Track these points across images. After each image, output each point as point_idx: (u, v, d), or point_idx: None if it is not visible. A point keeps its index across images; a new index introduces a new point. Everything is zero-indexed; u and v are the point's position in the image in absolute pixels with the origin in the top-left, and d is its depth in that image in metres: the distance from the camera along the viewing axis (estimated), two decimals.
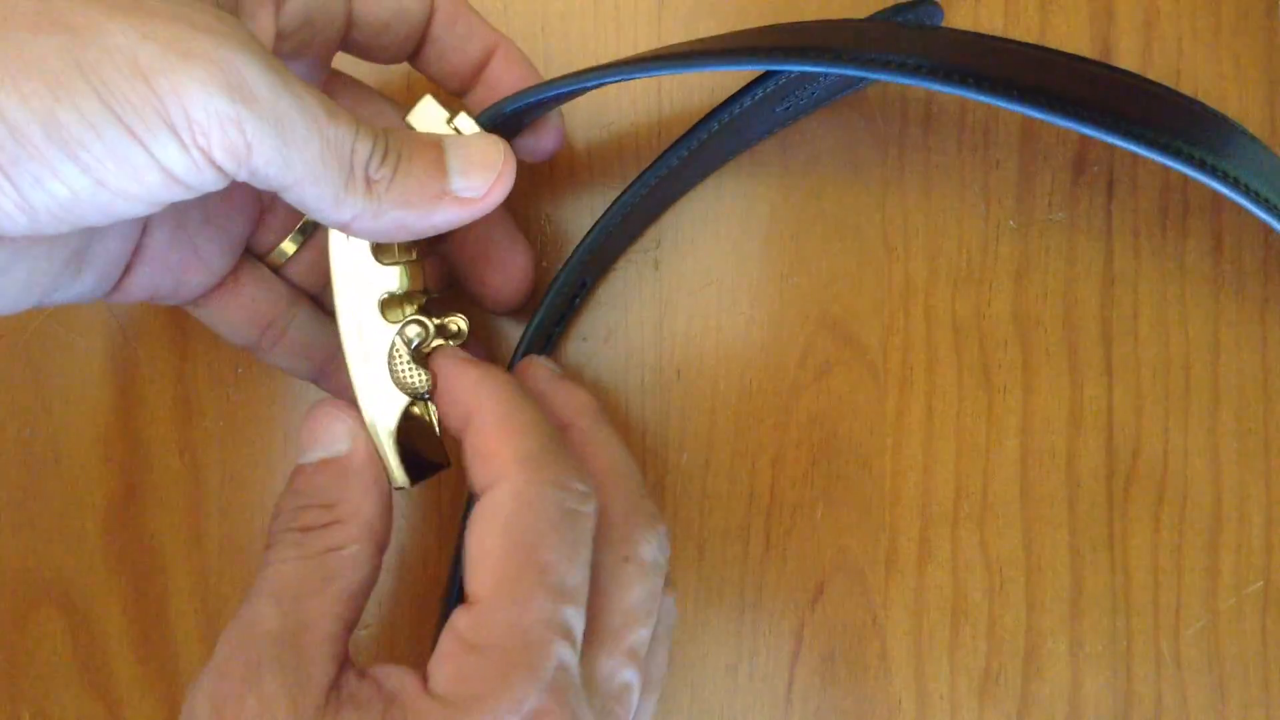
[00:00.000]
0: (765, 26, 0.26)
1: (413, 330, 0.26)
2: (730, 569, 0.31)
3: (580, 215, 0.32)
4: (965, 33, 0.29)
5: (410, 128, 0.25)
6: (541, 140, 0.28)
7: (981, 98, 0.23)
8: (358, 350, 0.26)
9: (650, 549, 0.24)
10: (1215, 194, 0.31)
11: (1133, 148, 0.24)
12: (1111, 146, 0.31)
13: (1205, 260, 0.31)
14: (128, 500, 0.32)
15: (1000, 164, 0.31)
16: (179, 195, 0.20)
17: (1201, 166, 0.25)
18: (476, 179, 0.24)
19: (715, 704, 0.31)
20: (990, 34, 0.29)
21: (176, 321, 0.32)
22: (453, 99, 0.28)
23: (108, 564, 0.32)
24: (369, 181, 0.22)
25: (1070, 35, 0.31)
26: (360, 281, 0.26)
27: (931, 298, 0.31)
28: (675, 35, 0.32)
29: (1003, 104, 0.23)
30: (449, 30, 0.26)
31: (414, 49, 0.26)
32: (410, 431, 0.26)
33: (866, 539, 0.31)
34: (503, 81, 0.26)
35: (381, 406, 0.26)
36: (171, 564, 0.32)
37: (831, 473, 0.31)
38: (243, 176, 0.20)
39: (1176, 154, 0.25)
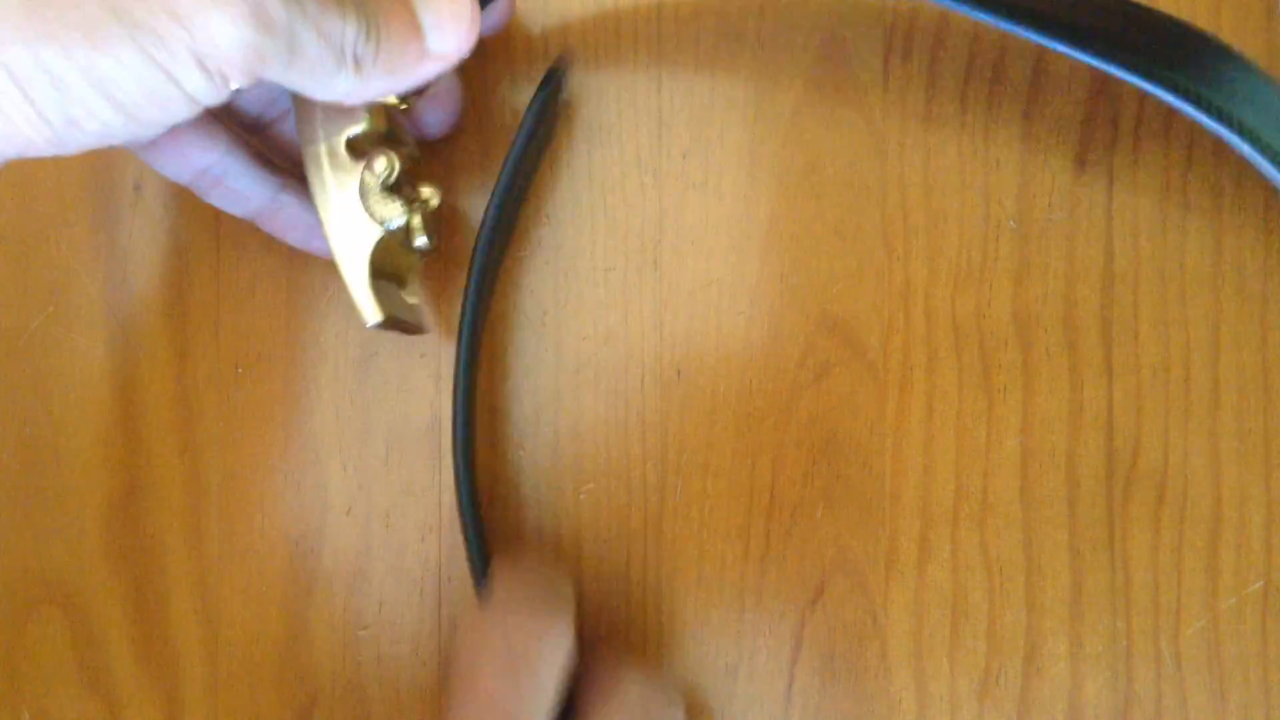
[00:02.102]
0: None
1: (380, 163, 0.26)
2: (730, 569, 0.31)
3: (579, 215, 0.32)
4: None
5: None
6: (490, 17, 0.28)
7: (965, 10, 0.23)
8: (327, 187, 0.26)
9: None
10: (1216, 194, 0.31)
11: (1106, 68, 0.24)
12: (1112, 146, 0.31)
13: (1205, 260, 0.31)
14: (128, 500, 0.32)
15: (1000, 164, 0.31)
16: (194, 113, 0.21)
17: (1187, 95, 0.25)
18: (450, 34, 0.24)
19: (715, 704, 0.31)
20: None
21: (177, 321, 0.32)
22: None
23: (108, 564, 0.32)
24: (356, 60, 0.23)
25: None
26: (327, 122, 0.26)
27: (931, 298, 0.31)
28: (675, 35, 0.32)
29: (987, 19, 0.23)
30: None
31: None
32: (386, 265, 0.27)
33: (866, 539, 0.31)
34: None
35: (354, 240, 0.26)
36: (171, 564, 0.32)
37: (831, 473, 0.31)
38: (246, 85, 0.21)
39: (1157, 80, 0.24)
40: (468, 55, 0.25)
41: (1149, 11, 0.26)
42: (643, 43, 0.32)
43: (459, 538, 0.32)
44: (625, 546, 0.31)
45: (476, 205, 0.32)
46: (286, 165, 0.30)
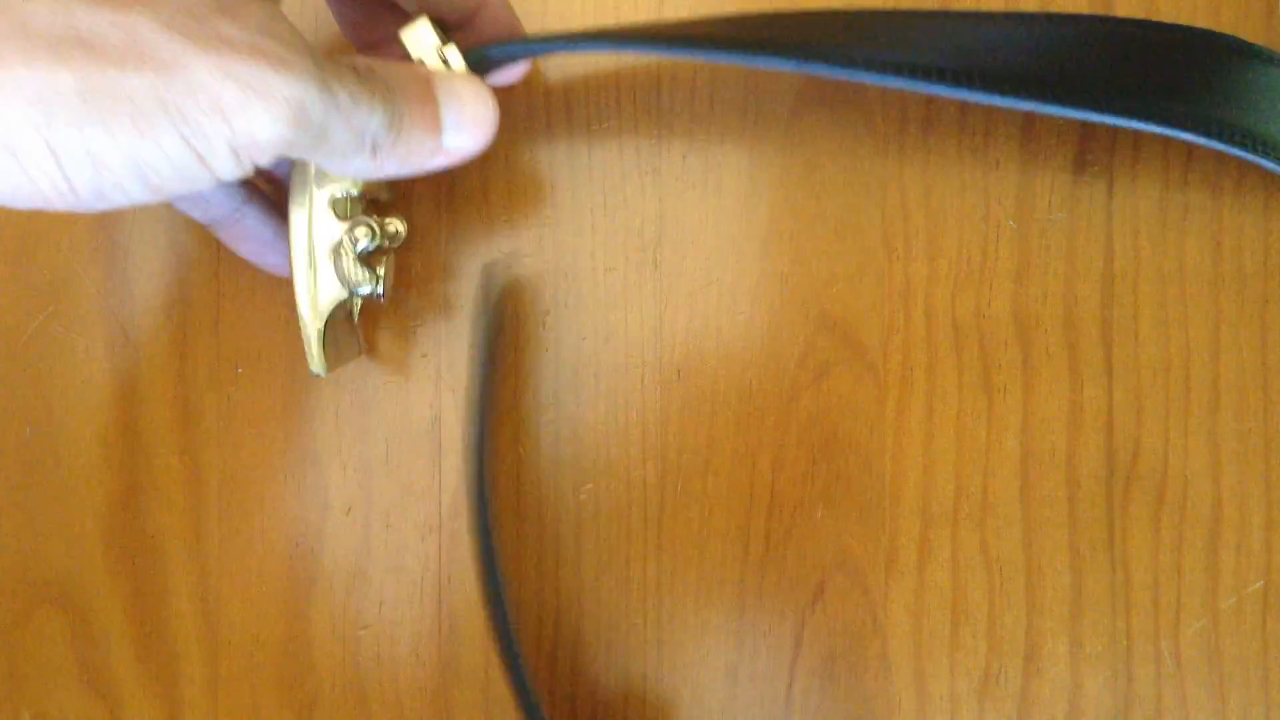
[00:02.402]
0: (764, 15, 0.27)
1: (361, 231, 0.27)
2: (730, 569, 0.31)
3: (580, 215, 0.32)
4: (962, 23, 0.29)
5: (401, 43, 0.26)
6: (507, 74, 0.29)
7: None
8: (305, 244, 0.27)
9: None
10: (1216, 194, 0.31)
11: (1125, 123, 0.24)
12: (1112, 146, 0.31)
13: (1205, 260, 0.31)
14: (128, 500, 0.32)
15: (1000, 164, 0.31)
16: (212, 186, 0.22)
17: (1208, 130, 0.25)
18: (468, 135, 0.25)
19: (715, 704, 0.31)
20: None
21: (177, 321, 0.32)
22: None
23: (108, 564, 0.32)
24: (374, 147, 0.24)
25: None
26: (320, 178, 0.27)
27: (931, 298, 0.31)
28: None
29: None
30: None
31: None
32: (335, 325, 0.28)
33: (866, 539, 0.31)
34: (491, 28, 0.28)
35: (319, 294, 0.27)
36: (171, 564, 0.32)
37: (831, 473, 0.31)
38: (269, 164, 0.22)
39: (1168, 119, 0.25)
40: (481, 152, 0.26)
41: (1140, 27, 0.26)
42: None
43: (459, 537, 0.32)
44: (625, 546, 0.31)
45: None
46: (258, 178, 0.29)
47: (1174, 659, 0.30)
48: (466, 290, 0.32)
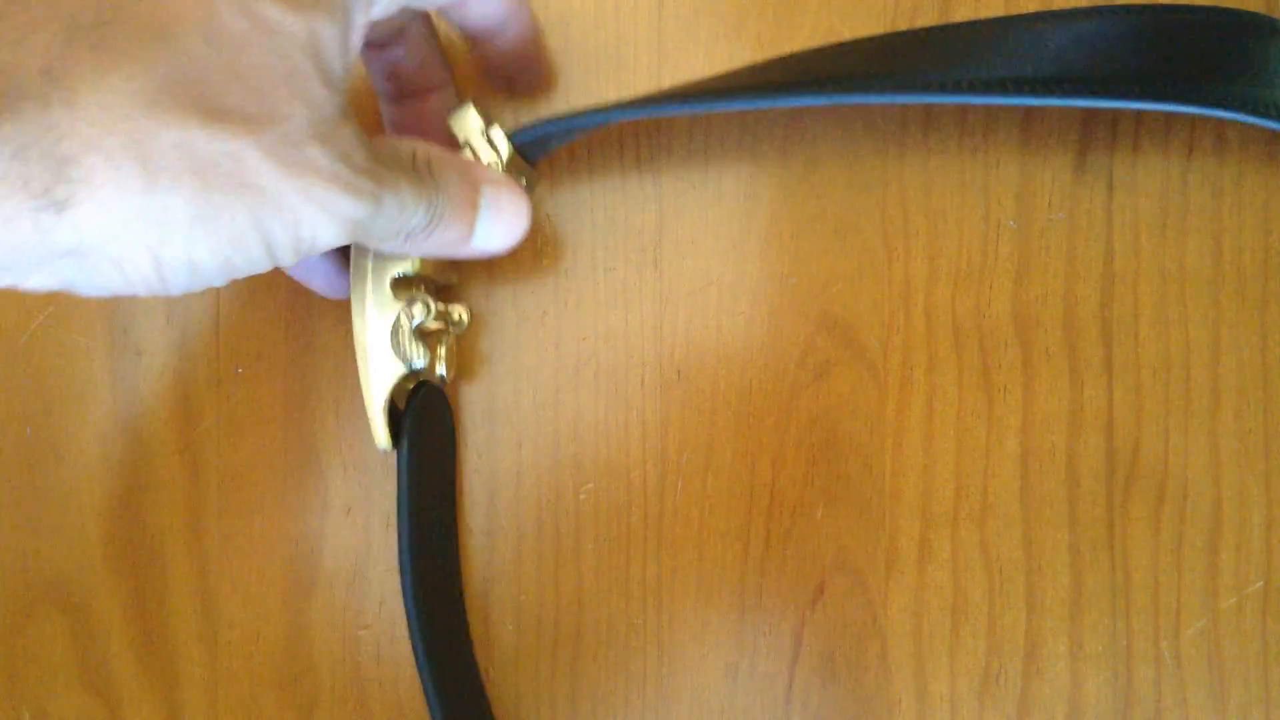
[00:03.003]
0: (786, 59, 0.29)
1: (418, 308, 0.28)
2: (730, 569, 0.31)
3: (580, 215, 0.32)
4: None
5: (449, 129, 0.28)
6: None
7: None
8: (366, 322, 0.28)
9: None
10: (1215, 193, 0.31)
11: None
12: (1112, 146, 0.31)
13: (1205, 260, 0.31)
14: (128, 500, 0.32)
15: (1000, 164, 0.31)
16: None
17: (1244, 106, 0.26)
18: (495, 242, 0.28)
19: (715, 704, 0.31)
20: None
21: (177, 322, 0.32)
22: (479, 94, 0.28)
23: (108, 564, 0.32)
24: (408, 237, 0.26)
25: None
26: (377, 261, 0.28)
27: (931, 298, 0.31)
28: (675, 36, 0.32)
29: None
30: (414, 52, 0.29)
31: (382, 44, 0.28)
32: (397, 401, 0.29)
33: (866, 539, 0.31)
34: (429, 116, 0.29)
35: (379, 375, 0.28)
36: (171, 563, 0.32)
37: (831, 473, 0.31)
38: None
39: (1208, 100, 0.26)
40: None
41: (1171, 12, 0.27)
42: (643, 43, 0.32)
43: (459, 538, 0.32)
44: (625, 546, 0.31)
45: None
46: None
47: (1174, 659, 0.30)
48: (466, 288, 0.32)
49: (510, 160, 0.28)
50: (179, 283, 0.22)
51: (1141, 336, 0.31)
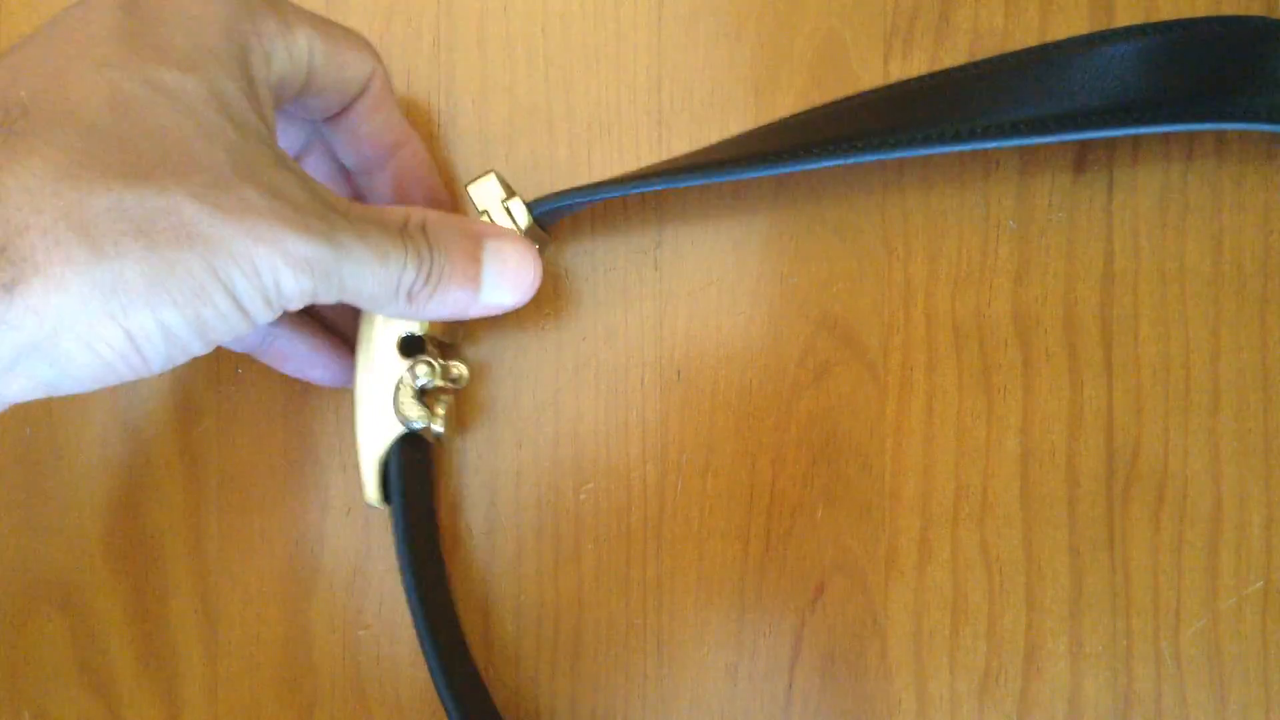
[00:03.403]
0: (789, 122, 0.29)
1: (422, 369, 0.28)
2: (730, 569, 0.31)
3: (579, 215, 0.32)
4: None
5: (470, 197, 0.29)
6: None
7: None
8: (369, 380, 0.29)
9: None
10: (1215, 193, 0.31)
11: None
12: (1112, 146, 0.31)
13: (1205, 260, 0.31)
14: (128, 500, 0.32)
15: (1000, 164, 0.31)
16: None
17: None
18: (505, 297, 0.27)
19: (715, 704, 0.31)
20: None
21: None
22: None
23: (108, 564, 0.32)
24: (410, 297, 0.25)
25: (1070, 35, 0.31)
26: (380, 320, 0.29)
27: (931, 298, 0.31)
28: (675, 37, 0.32)
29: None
30: (370, 114, 0.28)
31: (337, 115, 0.29)
32: (391, 459, 0.29)
33: (866, 539, 0.31)
34: (404, 173, 0.29)
35: (376, 433, 0.29)
36: (171, 563, 0.32)
37: (831, 473, 0.31)
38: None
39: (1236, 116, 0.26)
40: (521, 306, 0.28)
41: (1182, 28, 0.27)
42: (643, 43, 0.32)
43: (459, 537, 0.32)
44: (625, 546, 0.31)
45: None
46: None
47: (1174, 659, 0.30)
48: None
49: (528, 230, 0.29)
50: (157, 354, 0.22)
51: (1141, 336, 0.31)
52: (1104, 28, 0.31)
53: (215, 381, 0.32)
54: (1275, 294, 0.31)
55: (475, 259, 0.27)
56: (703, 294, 0.32)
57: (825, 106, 0.30)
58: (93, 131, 0.20)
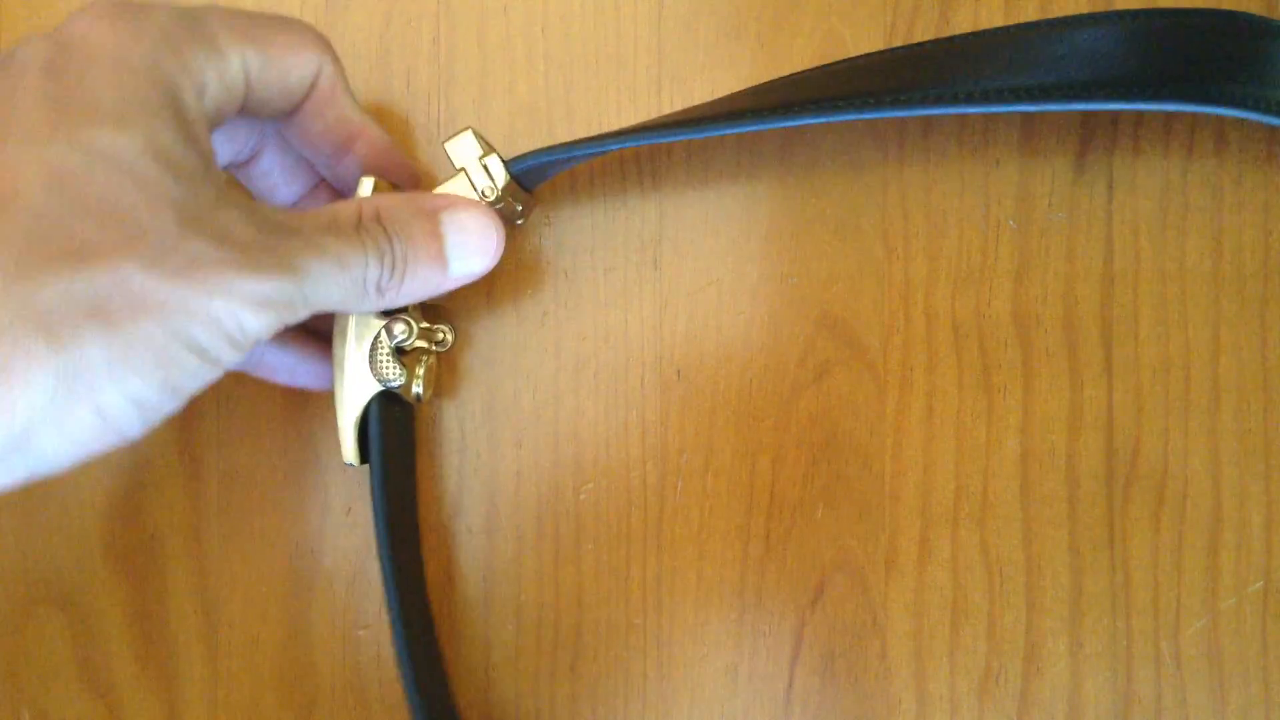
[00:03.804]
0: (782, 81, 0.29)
1: (399, 327, 0.28)
2: (730, 569, 0.31)
3: (579, 215, 0.32)
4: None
5: (447, 153, 0.28)
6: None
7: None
8: (346, 340, 0.28)
9: None
10: (1215, 193, 0.31)
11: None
12: (1112, 146, 0.31)
13: (1205, 260, 0.31)
14: (128, 500, 0.32)
15: (1000, 164, 0.31)
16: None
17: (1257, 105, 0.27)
18: (474, 260, 0.27)
19: (715, 704, 0.31)
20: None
21: None
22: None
23: (108, 564, 0.32)
24: (380, 290, 0.25)
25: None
26: None
27: (931, 298, 0.31)
28: (675, 36, 0.32)
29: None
30: (319, 113, 0.28)
31: (287, 116, 0.28)
32: (370, 416, 0.29)
33: (866, 539, 0.31)
34: (364, 162, 0.29)
35: (354, 391, 0.28)
36: (171, 563, 0.32)
37: (831, 473, 0.31)
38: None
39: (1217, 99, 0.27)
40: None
41: (1167, 16, 0.27)
42: (643, 43, 0.32)
43: (459, 537, 0.32)
44: (625, 546, 0.31)
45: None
46: None
47: (1174, 659, 0.30)
48: (467, 291, 0.32)
49: (506, 188, 0.28)
50: (131, 425, 0.22)
51: (1141, 336, 0.31)
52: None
53: (215, 382, 0.32)
54: (1275, 294, 0.31)
55: (436, 235, 0.26)
56: (703, 294, 0.32)
57: (824, 66, 0.29)
58: (34, 217, 0.20)
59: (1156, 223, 0.31)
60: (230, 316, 0.22)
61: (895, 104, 0.27)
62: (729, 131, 0.28)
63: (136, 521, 0.32)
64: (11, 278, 0.20)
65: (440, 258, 0.27)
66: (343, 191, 0.30)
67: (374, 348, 0.28)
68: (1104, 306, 0.31)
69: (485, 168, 0.28)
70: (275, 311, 0.23)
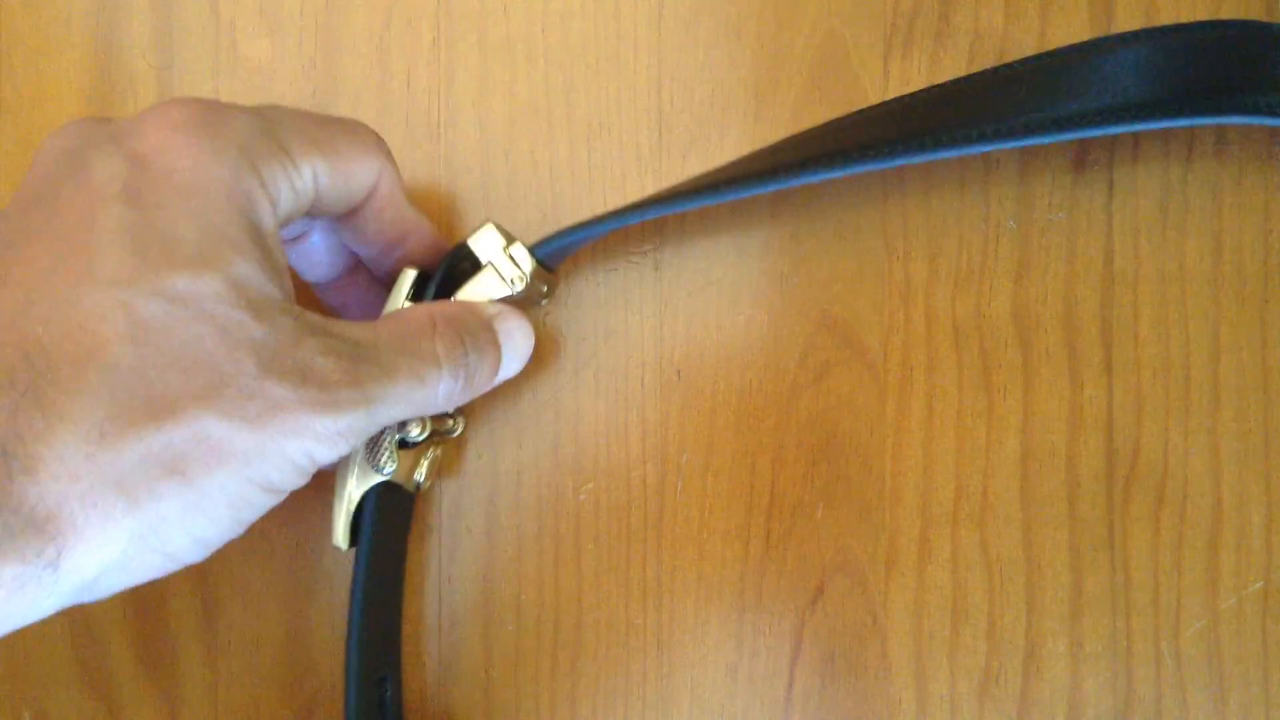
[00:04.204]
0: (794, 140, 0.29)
1: (412, 425, 0.28)
2: (730, 569, 0.31)
3: (580, 214, 0.32)
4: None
5: (468, 249, 0.28)
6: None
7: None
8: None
9: None
10: (1215, 193, 0.31)
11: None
12: (1112, 146, 0.31)
13: (1205, 260, 0.31)
14: None
15: (1000, 164, 0.31)
16: None
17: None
18: (514, 369, 0.28)
19: (715, 704, 0.31)
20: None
21: None
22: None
23: None
24: (449, 401, 0.26)
25: (1070, 35, 0.31)
26: None
27: (931, 298, 0.31)
28: (675, 36, 0.32)
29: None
30: (377, 215, 0.28)
31: (344, 216, 0.28)
32: (366, 504, 0.28)
33: (866, 539, 0.31)
34: (412, 256, 0.29)
35: (353, 481, 0.28)
36: None
37: (831, 473, 0.31)
38: None
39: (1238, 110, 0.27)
40: None
41: (1178, 33, 0.27)
42: (643, 43, 0.32)
43: (459, 537, 0.32)
44: (625, 546, 0.31)
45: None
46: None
47: (1174, 659, 0.30)
48: None
49: (533, 272, 0.28)
50: (194, 557, 0.22)
51: (1141, 336, 0.31)
52: (1103, 28, 0.31)
53: None
54: (1275, 294, 0.31)
55: (497, 345, 0.27)
56: (703, 294, 0.32)
57: (824, 125, 0.29)
58: (114, 372, 0.20)
59: (1156, 223, 0.31)
60: (304, 455, 0.22)
61: (907, 152, 0.27)
62: (747, 194, 0.28)
63: None
64: (95, 443, 0.20)
65: (497, 365, 0.27)
66: (377, 274, 0.30)
67: (377, 440, 0.27)
68: (1104, 306, 0.31)
69: (511, 257, 0.28)
70: (348, 441, 0.23)
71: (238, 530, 0.23)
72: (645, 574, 0.31)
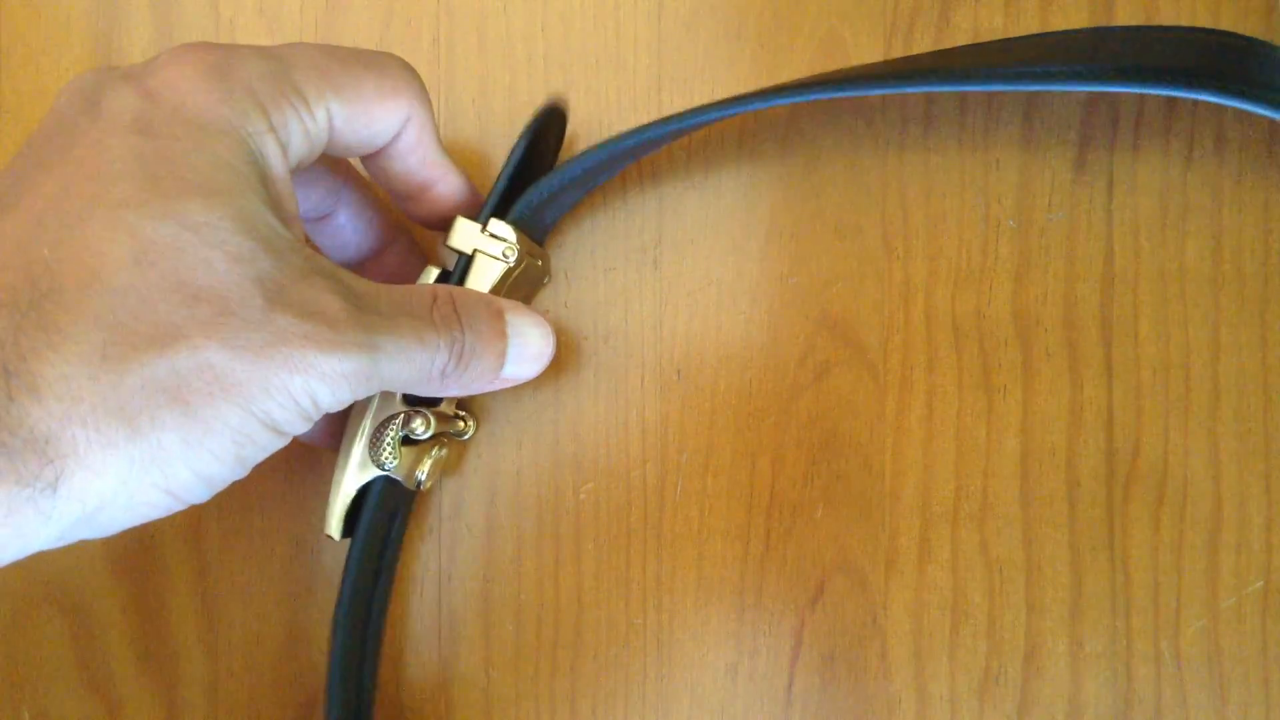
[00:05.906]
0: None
1: (417, 422, 0.27)
2: (730, 569, 0.31)
3: (579, 215, 0.32)
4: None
5: (449, 248, 0.28)
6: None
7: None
8: (365, 418, 0.28)
9: None
10: (1215, 193, 0.31)
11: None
12: (1112, 146, 0.31)
13: (1205, 260, 0.31)
14: None
15: (1000, 164, 0.31)
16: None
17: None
18: (524, 371, 0.27)
19: (715, 704, 0.31)
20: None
21: None
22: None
23: (108, 564, 0.32)
24: (444, 377, 0.25)
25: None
26: None
27: (931, 298, 0.31)
28: (676, 36, 0.32)
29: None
30: (403, 158, 0.27)
31: (367, 156, 0.28)
32: (366, 497, 0.28)
33: (866, 539, 0.31)
34: (438, 204, 0.29)
35: (352, 472, 0.27)
36: (171, 563, 0.32)
37: (831, 473, 0.31)
38: None
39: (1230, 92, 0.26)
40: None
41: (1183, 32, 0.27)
42: (643, 43, 0.32)
43: (459, 537, 0.32)
44: (625, 546, 0.31)
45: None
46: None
47: (1174, 659, 0.30)
48: None
49: (520, 242, 0.28)
50: (197, 496, 0.22)
51: (1141, 336, 0.31)
52: (1104, 28, 0.31)
53: None
54: (1275, 294, 0.31)
55: (502, 334, 0.27)
56: (702, 294, 0.32)
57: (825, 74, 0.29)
58: (118, 297, 0.20)
59: (1156, 223, 0.31)
60: (306, 393, 0.22)
61: (907, 81, 0.26)
62: (725, 115, 0.27)
63: None
64: (98, 365, 0.19)
65: (500, 357, 0.27)
66: (412, 218, 0.30)
67: (380, 433, 0.27)
68: (1104, 306, 0.31)
69: (492, 235, 0.28)
70: (350, 386, 0.22)
71: (240, 471, 0.22)
72: (645, 574, 0.31)
